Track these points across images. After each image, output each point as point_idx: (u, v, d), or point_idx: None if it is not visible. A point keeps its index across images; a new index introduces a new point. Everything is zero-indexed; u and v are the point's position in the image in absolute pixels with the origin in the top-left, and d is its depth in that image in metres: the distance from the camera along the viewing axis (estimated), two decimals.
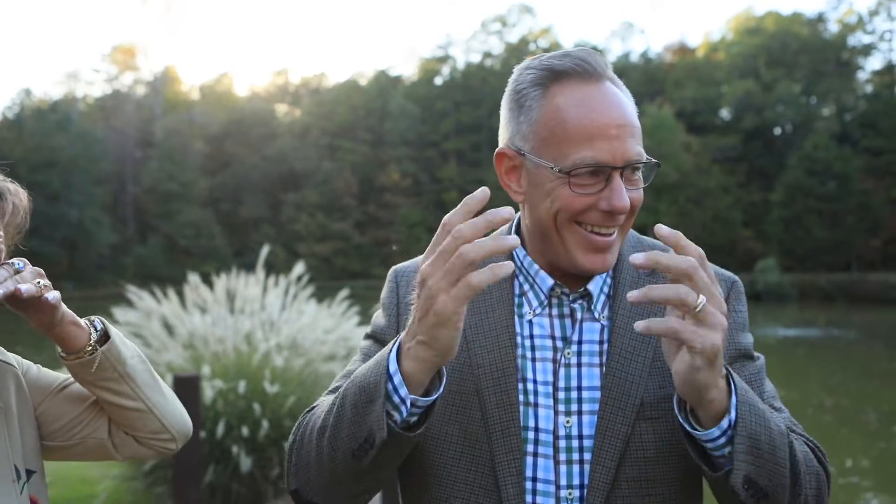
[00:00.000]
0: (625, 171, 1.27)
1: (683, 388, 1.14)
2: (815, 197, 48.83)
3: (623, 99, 1.32)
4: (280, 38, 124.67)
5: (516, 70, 1.40)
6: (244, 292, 6.09)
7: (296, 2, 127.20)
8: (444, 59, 72.17)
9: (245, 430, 5.16)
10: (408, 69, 75.13)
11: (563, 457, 1.32)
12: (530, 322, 1.40)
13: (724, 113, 59.10)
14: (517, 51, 69.07)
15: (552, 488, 1.31)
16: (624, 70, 65.46)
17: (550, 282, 1.39)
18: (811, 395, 14.24)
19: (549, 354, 1.37)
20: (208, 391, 5.17)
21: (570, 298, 1.39)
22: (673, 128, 50.81)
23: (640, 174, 1.31)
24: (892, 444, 10.48)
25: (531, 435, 1.33)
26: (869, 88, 59.48)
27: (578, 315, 1.38)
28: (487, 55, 70.52)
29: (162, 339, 5.91)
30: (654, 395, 1.35)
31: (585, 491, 1.31)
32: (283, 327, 5.90)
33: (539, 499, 1.31)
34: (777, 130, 58.27)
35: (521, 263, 1.43)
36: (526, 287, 1.42)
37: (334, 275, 48.80)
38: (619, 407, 1.33)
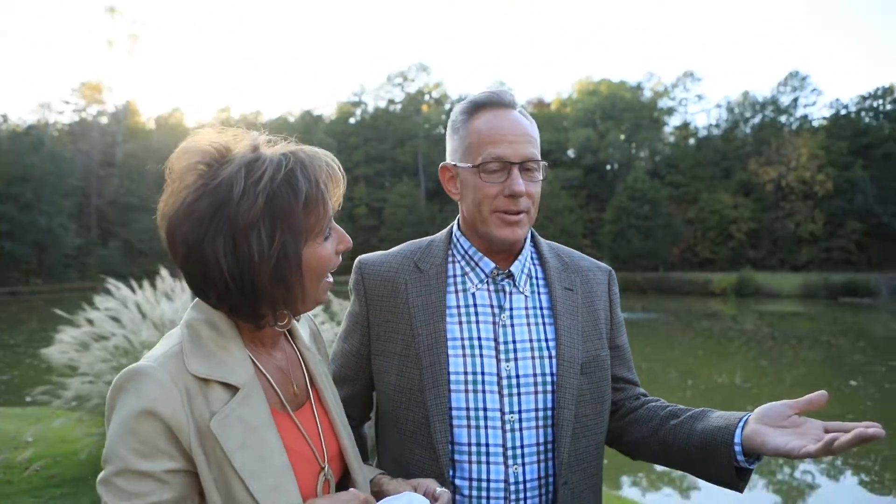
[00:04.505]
0: (523, 167, 1.38)
1: (765, 451, 1.20)
2: (634, 216, 51.04)
3: (523, 120, 1.43)
4: (223, 80, 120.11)
5: (455, 108, 1.50)
6: None
7: (235, 49, 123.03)
8: (357, 104, 71.44)
9: None
10: (328, 110, 73.78)
11: (505, 392, 1.39)
12: (473, 294, 1.46)
13: (570, 153, 61.02)
14: (415, 99, 69.22)
15: (497, 414, 1.38)
16: None
17: (492, 265, 1.46)
18: None
19: (490, 318, 1.44)
20: None
21: (501, 277, 1.46)
22: None
23: (537, 173, 1.41)
24: (687, 394, 11.16)
25: (478, 378, 1.39)
26: (671, 139, 62.86)
27: (507, 289, 1.46)
28: (391, 102, 70.31)
29: (137, 322, 5.63)
30: (587, 355, 1.47)
31: (522, 415, 1.38)
32: None
33: (489, 422, 1.37)
34: (608, 167, 60.60)
35: (466, 251, 1.49)
36: (468, 269, 1.48)
37: None
38: (572, 357, 1.43)
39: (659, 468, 7.59)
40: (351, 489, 1.13)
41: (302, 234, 1.09)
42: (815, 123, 57.63)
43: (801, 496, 6.94)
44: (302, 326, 1.33)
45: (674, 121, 63.88)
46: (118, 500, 0.99)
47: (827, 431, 1.11)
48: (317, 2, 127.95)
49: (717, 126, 61.66)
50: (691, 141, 61.35)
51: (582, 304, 1.50)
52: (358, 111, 71.13)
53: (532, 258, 1.53)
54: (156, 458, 1.00)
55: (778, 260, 51.98)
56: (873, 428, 1.04)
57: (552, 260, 1.53)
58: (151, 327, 5.50)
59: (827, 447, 1.06)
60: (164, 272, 6.03)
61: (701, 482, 7.17)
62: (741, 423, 1.26)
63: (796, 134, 55.45)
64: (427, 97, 69.89)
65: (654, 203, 51.42)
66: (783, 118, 58.85)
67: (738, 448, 1.24)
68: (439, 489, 1.24)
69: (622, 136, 59.77)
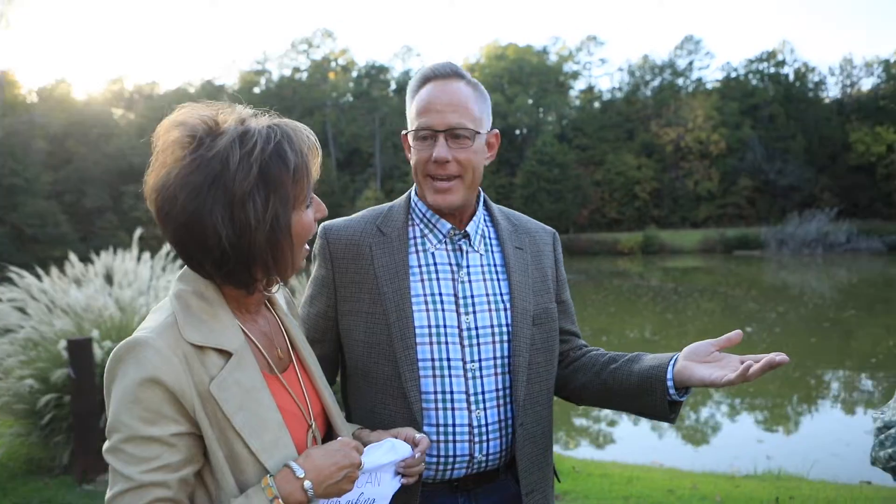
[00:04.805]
0: (450, 135, 1.47)
1: (692, 383, 1.38)
2: (544, 180, 52.32)
3: (461, 90, 1.51)
4: (114, 49, 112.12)
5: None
6: (121, 266, 5.64)
7: (128, 16, 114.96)
8: (261, 73, 68.74)
9: None
10: (230, 80, 70.44)
11: (465, 343, 1.50)
12: (433, 254, 1.56)
13: None
14: (321, 67, 67.35)
15: (460, 363, 1.49)
16: (405, 84, 65.43)
17: (448, 226, 1.57)
18: None
19: (449, 275, 1.55)
20: (97, 351, 4.77)
21: (458, 237, 1.57)
22: None
23: (468, 142, 1.49)
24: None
25: (441, 331, 1.50)
26: (577, 102, 64.46)
27: (464, 248, 1.57)
28: (297, 70, 68.08)
29: (44, 311, 5.34)
30: (538, 308, 1.58)
31: (482, 363, 1.50)
32: (160, 293, 5.55)
33: (452, 371, 1.49)
34: (517, 132, 61.32)
35: (424, 214, 1.59)
36: (426, 231, 1.58)
37: (171, 251, 45.45)
38: (524, 309, 1.55)
39: (578, 424, 8.05)
40: (340, 438, 1.22)
41: (290, 201, 1.14)
42: (709, 86, 60.70)
43: (705, 438, 7.56)
44: (278, 295, 1.39)
45: (579, 84, 65.45)
46: (128, 465, 1.03)
47: (742, 363, 1.30)
48: None
49: (620, 89, 63.71)
50: (596, 104, 63.09)
51: (531, 261, 1.62)
52: (262, 80, 68.52)
53: (485, 220, 1.63)
54: (161, 423, 1.04)
55: (679, 217, 54.86)
56: (780, 356, 1.23)
57: (503, 222, 1.64)
58: (63, 316, 5.25)
59: (743, 374, 1.26)
60: (73, 257, 5.75)
61: (616, 435, 7.72)
62: (672, 361, 1.45)
63: (692, 96, 58.22)
64: (333, 64, 68.20)
65: (562, 166, 52.80)
66: (680, 81, 61.55)
67: (670, 383, 1.43)
68: (418, 435, 1.35)
69: (530, 101, 60.62)
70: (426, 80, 1.52)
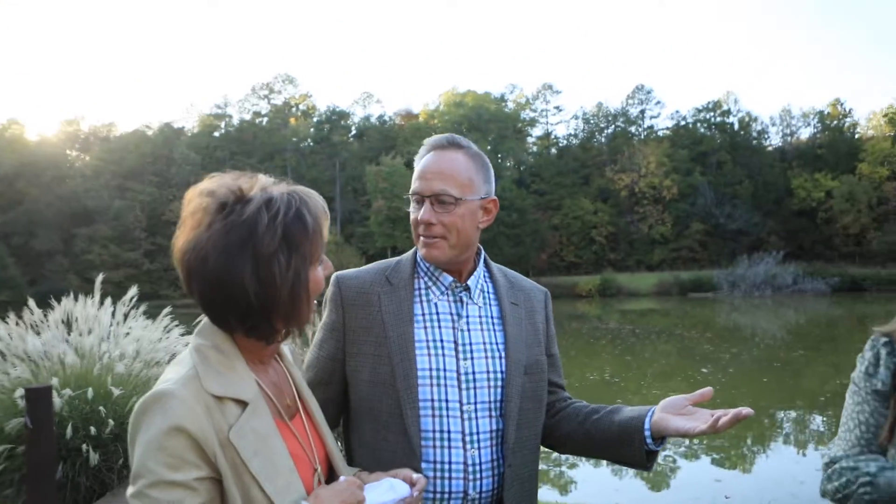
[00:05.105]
0: (435, 200, 1.60)
1: (668, 433, 1.52)
2: (504, 225, 53.01)
3: (454, 159, 1.63)
4: (70, 89, 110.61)
5: None
6: (83, 312, 5.52)
7: (85, 56, 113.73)
8: (221, 117, 68.69)
9: (92, 430, 4.71)
10: (189, 122, 70.07)
11: (463, 386, 1.60)
12: (436, 304, 1.68)
13: None
14: (282, 112, 67.68)
15: (457, 405, 1.59)
16: (365, 130, 66.58)
17: (450, 279, 1.69)
18: None
19: (450, 324, 1.66)
20: (56, 399, 4.64)
21: (459, 289, 1.69)
22: (404, 174, 52.65)
23: (452, 207, 1.60)
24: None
25: (441, 374, 1.60)
26: (534, 149, 66.07)
27: (464, 300, 1.69)
28: (257, 115, 68.27)
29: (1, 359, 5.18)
30: (530, 359, 1.70)
31: (477, 406, 1.60)
32: (121, 340, 5.44)
33: (450, 411, 1.58)
34: None
35: (428, 268, 1.71)
36: (430, 283, 1.70)
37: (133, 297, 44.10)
38: (518, 359, 1.66)
39: (539, 467, 8.06)
40: (343, 478, 1.31)
41: (307, 259, 1.25)
42: (660, 133, 63.09)
43: (665, 480, 7.66)
44: (285, 348, 1.48)
45: (536, 131, 67.21)
46: None
47: (712, 416, 1.46)
48: (171, 7, 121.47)
49: (576, 136, 65.66)
50: (553, 150, 64.81)
51: (525, 316, 1.75)
52: (222, 124, 68.40)
53: (484, 276, 1.76)
54: (185, 468, 1.11)
55: (635, 261, 56.12)
56: (746, 410, 1.39)
57: (501, 279, 1.78)
58: (19, 363, 5.10)
59: (713, 425, 1.41)
60: (31, 303, 5.61)
61: (578, 478, 7.76)
62: (649, 414, 1.59)
63: (645, 143, 60.37)
64: (294, 110, 68.60)
65: (521, 211, 53.71)
66: (633, 128, 63.80)
67: (647, 433, 1.56)
68: (416, 475, 1.42)
69: (489, 147, 61.73)
70: (428, 149, 1.67)
